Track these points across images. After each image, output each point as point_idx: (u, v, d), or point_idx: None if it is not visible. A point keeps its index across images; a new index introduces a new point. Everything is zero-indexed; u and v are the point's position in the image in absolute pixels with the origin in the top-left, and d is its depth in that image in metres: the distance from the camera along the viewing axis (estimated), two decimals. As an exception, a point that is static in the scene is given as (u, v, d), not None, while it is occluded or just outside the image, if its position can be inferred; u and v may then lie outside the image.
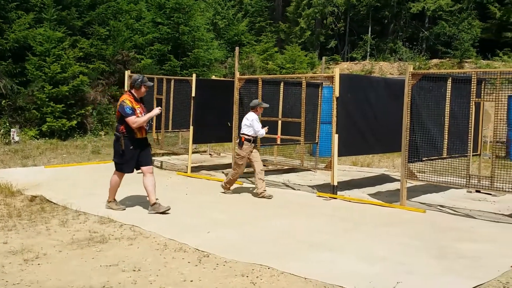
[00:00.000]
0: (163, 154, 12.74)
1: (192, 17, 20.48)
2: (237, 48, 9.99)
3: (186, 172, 10.10)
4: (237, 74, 9.53)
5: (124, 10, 18.49)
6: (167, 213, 6.60)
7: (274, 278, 4.36)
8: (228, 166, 10.81)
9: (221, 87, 11.03)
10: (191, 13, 20.39)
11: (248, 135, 7.98)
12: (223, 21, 26.69)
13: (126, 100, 6.57)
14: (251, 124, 7.96)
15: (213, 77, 16.20)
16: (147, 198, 6.80)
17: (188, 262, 4.74)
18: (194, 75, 10.32)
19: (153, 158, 12.34)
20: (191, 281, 4.28)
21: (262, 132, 8.03)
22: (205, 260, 4.81)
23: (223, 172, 10.39)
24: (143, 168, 6.75)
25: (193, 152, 11.95)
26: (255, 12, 30.91)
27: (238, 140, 8.21)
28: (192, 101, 9.98)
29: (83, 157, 11.98)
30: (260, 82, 9.16)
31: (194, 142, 10.40)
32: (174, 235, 5.57)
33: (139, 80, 6.63)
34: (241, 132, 8.09)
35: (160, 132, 11.14)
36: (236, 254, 4.95)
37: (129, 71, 12.66)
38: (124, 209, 6.75)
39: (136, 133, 6.61)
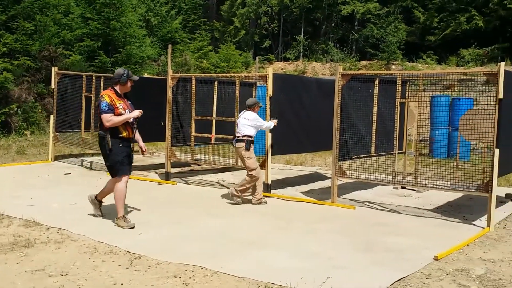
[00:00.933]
0: (93, 154, 12.35)
1: (124, 13, 19.97)
2: (170, 46, 9.85)
3: (118, 173, 9.83)
4: (170, 72, 9.40)
5: (52, 4, 17.69)
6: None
7: (207, 278, 4.35)
8: (161, 166, 10.64)
9: (154, 85, 10.83)
10: (122, 8, 19.87)
11: (251, 136, 7.51)
12: (156, 18, 26.23)
13: (105, 96, 6.04)
14: (255, 124, 7.48)
15: (146, 75, 15.89)
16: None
17: (119, 265, 4.62)
18: (125, 73, 10.02)
19: (82, 158, 12.03)
20: (122, 284, 4.18)
21: (271, 124, 7.72)
22: (136, 262, 4.71)
23: (156, 172, 10.23)
24: None
25: (125, 152, 11.67)
26: (189, 9, 30.61)
27: (236, 142, 7.54)
28: (124, 100, 9.72)
29: (7, 157, 11.39)
30: (193, 81, 9.08)
31: (126, 141, 10.11)
32: (104, 238, 5.41)
33: (124, 75, 6.09)
34: (242, 133, 7.47)
35: (89, 131, 10.78)
36: (169, 255, 4.89)
37: (56, 68, 12.16)
38: (133, 227, 5.91)
39: (122, 131, 6.05)
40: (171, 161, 9.42)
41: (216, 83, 9.97)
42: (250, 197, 7.55)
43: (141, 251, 4.98)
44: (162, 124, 9.62)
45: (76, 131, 11.28)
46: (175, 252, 4.99)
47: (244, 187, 7.40)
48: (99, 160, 11.70)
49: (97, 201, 6.41)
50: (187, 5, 30.35)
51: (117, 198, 6.03)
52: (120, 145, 6.04)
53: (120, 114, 6.00)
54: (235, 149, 7.71)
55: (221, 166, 10.69)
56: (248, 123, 7.47)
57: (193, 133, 9.08)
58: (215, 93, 9.83)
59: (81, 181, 9.13)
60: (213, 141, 9.99)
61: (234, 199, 7.43)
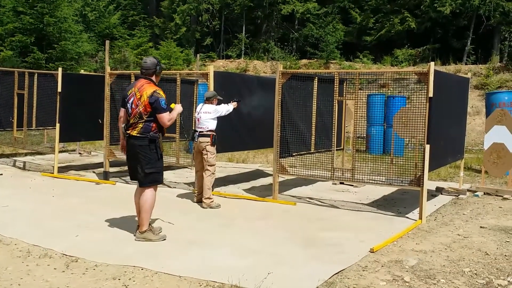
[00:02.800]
0: (26, 154, 11.86)
1: (58, 8, 19.30)
2: (107, 42, 9.63)
3: (53, 173, 9.51)
4: (108, 69, 9.19)
5: (-20, -3, 16.86)
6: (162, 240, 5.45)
7: (148, 279, 4.29)
8: (99, 165, 10.36)
9: (91, 82, 10.55)
10: (57, 3, 19.20)
11: (214, 130, 7.19)
12: (93, 13, 25.52)
13: (160, 90, 5.20)
14: (215, 115, 7.18)
15: (82, 72, 15.42)
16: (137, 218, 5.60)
17: (54, 269, 4.47)
18: (60, 69, 9.73)
19: (14, 158, 11.52)
20: None
21: (231, 107, 7.38)
22: (73, 265, 4.57)
23: (93, 172, 9.96)
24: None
25: (60, 151, 11.30)
26: (128, 5, 30.00)
27: (199, 137, 7.14)
28: (58, 97, 9.42)
29: None
30: (132, 78, 8.91)
31: (61, 140, 9.82)
32: (39, 241, 5.21)
33: (159, 64, 5.37)
34: (205, 128, 7.14)
35: (22, 130, 10.35)
36: (107, 257, 4.78)
37: (-15, 63, 11.57)
38: (165, 239, 5.40)
39: (164, 132, 5.41)
40: (110, 160, 9.20)
41: (156, 80, 9.82)
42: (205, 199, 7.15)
43: (78, 254, 4.84)
44: (100, 122, 9.39)
45: (8, 129, 10.80)
46: (114, 254, 4.89)
47: (209, 188, 7.11)
48: (33, 160, 11.27)
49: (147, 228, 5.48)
50: (126, 0, 29.71)
51: (147, 208, 5.36)
52: (162, 151, 5.38)
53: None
54: (196, 145, 7.30)
55: (162, 165, 10.55)
56: (210, 116, 7.20)
57: (133, 132, 8.90)
58: (155, 91, 9.67)
59: (13, 182, 8.75)
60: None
61: (208, 206, 7.03)
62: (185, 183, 9.02)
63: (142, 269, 4.48)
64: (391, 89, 16.17)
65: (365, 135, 13.96)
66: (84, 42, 21.16)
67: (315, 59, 25.25)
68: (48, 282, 4.17)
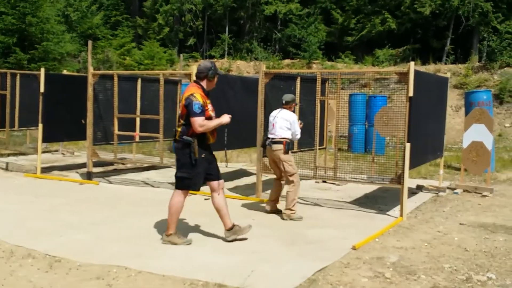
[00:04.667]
0: (8, 155, 11.74)
1: (40, 8, 19.11)
2: (90, 42, 9.58)
3: (36, 173, 9.44)
4: (91, 69, 9.15)
5: (-40, -3, 16.63)
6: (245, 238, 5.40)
7: (132, 278, 4.31)
8: (82, 165, 10.31)
9: (74, 82, 10.50)
10: (39, 3, 19.01)
11: (289, 139, 6.58)
12: (76, 13, 25.32)
13: (197, 94, 5.06)
14: (293, 128, 6.57)
15: (65, 72, 15.30)
16: (223, 222, 5.42)
17: (38, 269, 4.47)
18: (42, 70, 9.66)
19: (-4, 159, 11.41)
20: None
21: (299, 134, 6.70)
22: (56, 266, 4.57)
23: (77, 172, 9.92)
24: (214, 183, 5.32)
25: (43, 152, 11.22)
26: (111, 5, 29.80)
27: (272, 144, 6.56)
28: (41, 97, 9.37)
29: None
30: (115, 78, 8.91)
31: (44, 140, 9.76)
32: (22, 241, 5.19)
33: (212, 68, 5.20)
34: (279, 135, 6.54)
35: (4, 130, 10.26)
36: (91, 256, 4.79)
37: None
38: (191, 243, 5.29)
39: (209, 137, 5.22)
40: (93, 160, 9.17)
41: (139, 80, 9.83)
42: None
43: (61, 254, 4.84)
44: (83, 122, 9.35)
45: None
46: (98, 254, 4.90)
47: (294, 200, 6.47)
48: (16, 160, 11.15)
49: (232, 227, 5.43)
50: (109, 1, 29.53)
51: (174, 212, 5.23)
52: (203, 156, 5.18)
53: (210, 117, 5.16)
54: (268, 152, 6.75)
55: (146, 165, 10.55)
56: (286, 124, 6.56)
57: (116, 132, 8.90)
58: (139, 91, 9.69)
59: (-5, 183, 8.67)
60: (137, 139, 9.85)
61: (288, 217, 6.46)
62: (169, 183, 9.02)
63: (125, 269, 4.50)
64: (373, 88, 16.37)
65: (347, 134, 14.11)
66: (67, 43, 20.99)
67: (298, 59, 25.38)
68: (32, 282, 4.17)
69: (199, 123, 5.01)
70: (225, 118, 5.29)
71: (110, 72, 11.45)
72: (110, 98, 9.07)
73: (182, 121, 5.13)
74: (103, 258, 4.74)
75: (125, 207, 7.03)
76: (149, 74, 12.34)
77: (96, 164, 9.74)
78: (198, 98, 5.03)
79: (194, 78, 7.89)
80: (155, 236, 5.55)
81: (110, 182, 9.01)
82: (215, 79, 5.30)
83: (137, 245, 5.21)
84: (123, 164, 10.81)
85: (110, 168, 10.73)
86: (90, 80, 9.01)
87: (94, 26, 25.85)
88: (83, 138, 9.49)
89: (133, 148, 10.93)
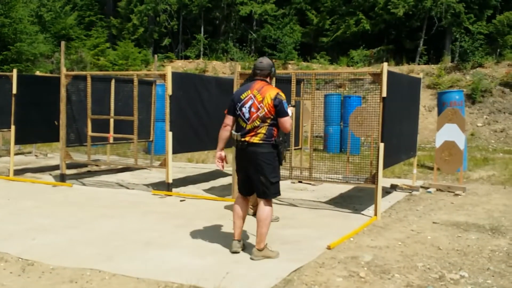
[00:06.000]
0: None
1: (13, 8, 18.74)
2: (63, 43, 9.44)
3: (8, 176, 9.27)
4: (64, 70, 9.01)
5: None
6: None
7: (106, 281, 4.26)
8: (56, 167, 10.15)
9: (47, 83, 10.33)
10: (12, 3, 18.63)
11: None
12: (49, 14, 24.92)
13: (282, 93, 4.75)
14: None
15: (38, 73, 15.05)
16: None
17: (10, 273, 4.38)
18: (15, 71, 9.50)
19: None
20: (13, 292, 3.97)
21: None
22: (29, 269, 4.49)
23: (50, 174, 9.75)
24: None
25: (16, 154, 11.02)
26: (84, 5, 29.43)
27: None
28: (13, 99, 9.21)
29: None
30: (89, 79, 8.79)
31: (16, 142, 9.59)
32: (-7, 245, 5.09)
33: (274, 67, 4.95)
34: None
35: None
36: (64, 259, 4.72)
37: None
38: (278, 255, 4.91)
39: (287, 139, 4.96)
40: (67, 162, 9.03)
41: (113, 81, 9.72)
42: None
43: (34, 257, 4.76)
44: (56, 123, 9.21)
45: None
46: (71, 257, 4.82)
47: None
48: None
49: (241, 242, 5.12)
50: (83, 1, 29.15)
51: (268, 224, 4.82)
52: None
53: None
54: None
55: (120, 166, 10.44)
56: None
57: (89, 133, 8.79)
58: (112, 92, 9.58)
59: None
60: (111, 140, 9.74)
61: None
62: (144, 184, 8.95)
63: (99, 272, 4.44)
64: (347, 89, 16.52)
65: (322, 135, 14.21)
66: (40, 43, 20.64)
67: (273, 60, 25.43)
68: (4, 286, 4.08)
69: (290, 122, 4.77)
70: (291, 111, 5.02)
71: (83, 72, 11.29)
72: (83, 99, 8.96)
73: (268, 122, 4.71)
74: (77, 261, 4.67)
75: (99, 209, 6.93)
76: (123, 74, 12.21)
77: (69, 166, 9.59)
78: (284, 96, 4.76)
79: (169, 78, 7.92)
80: (129, 239, 5.49)
81: (84, 184, 8.89)
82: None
83: (111, 248, 5.15)
84: (97, 165, 10.68)
85: (84, 170, 10.59)
86: (63, 81, 8.87)
87: (67, 26, 25.49)
88: (56, 139, 9.36)
89: (107, 149, 10.81)
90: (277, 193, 4.89)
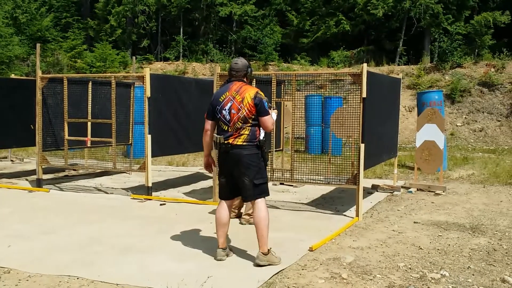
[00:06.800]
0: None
1: (-13, 10, 18.39)
2: (38, 45, 9.28)
3: (-18, 182, 9.05)
4: (39, 73, 8.84)
5: None
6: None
7: (84, 288, 4.16)
8: (32, 172, 9.94)
9: (22, 86, 10.12)
10: (-15, 5, 18.28)
11: None
12: (25, 16, 24.52)
13: (261, 92, 4.71)
14: None
15: (13, 76, 14.76)
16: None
17: (-16, 282, 4.26)
18: (-13, 74, 9.29)
19: None
20: (-14, 303, 3.85)
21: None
22: (5, 277, 4.36)
23: (26, 180, 9.55)
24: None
25: (-11, 159, 10.76)
26: (61, 7, 29.01)
27: None
28: (-14, 103, 9.00)
29: None
30: (65, 81, 8.63)
31: (-10, 147, 9.36)
32: (-34, 254, 4.93)
33: (250, 67, 4.87)
34: None
35: None
36: (41, 267, 4.60)
37: None
38: (281, 261, 4.75)
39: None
40: (43, 167, 8.86)
41: (90, 83, 9.56)
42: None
43: (10, 265, 4.64)
44: (32, 127, 9.03)
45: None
46: (49, 264, 4.71)
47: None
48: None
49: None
50: (59, 2, 28.73)
51: (266, 225, 4.71)
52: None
53: None
54: None
55: (98, 170, 10.28)
56: None
57: (66, 137, 8.62)
58: (90, 94, 9.42)
59: None
60: (89, 144, 9.58)
61: (249, 222, 6.29)
62: (123, 189, 8.81)
63: (77, 278, 4.34)
64: (328, 90, 16.56)
65: (304, 136, 14.20)
66: (15, 46, 20.30)
67: (254, 61, 25.44)
68: (-24, 297, 3.96)
69: (272, 121, 4.72)
70: (275, 113, 4.94)
71: (59, 75, 11.10)
72: (60, 102, 8.78)
73: (250, 122, 4.65)
74: (54, 268, 4.56)
75: (77, 215, 6.79)
76: (101, 77, 12.04)
77: (46, 171, 9.41)
78: (263, 95, 4.71)
79: (148, 80, 7.81)
80: (108, 244, 5.37)
81: (61, 189, 8.72)
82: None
83: (89, 254, 5.04)
84: (74, 170, 10.51)
85: (61, 174, 10.40)
86: (39, 84, 8.70)
87: (43, 28, 25.13)
88: (33, 144, 9.17)
89: (85, 153, 10.63)
90: (263, 193, 4.79)
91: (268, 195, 4.88)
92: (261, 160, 4.74)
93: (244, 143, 4.65)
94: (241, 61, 4.84)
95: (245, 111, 4.62)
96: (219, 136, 4.75)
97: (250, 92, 4.66)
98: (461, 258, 5.05)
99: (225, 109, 4.69)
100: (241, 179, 4.71)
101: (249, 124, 4.64)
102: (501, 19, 23.35)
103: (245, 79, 4.83)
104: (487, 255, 5.13)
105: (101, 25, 28.59)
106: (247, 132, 4.65)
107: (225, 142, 4.69)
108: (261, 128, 4.78)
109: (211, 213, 7.01)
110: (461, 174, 10.61)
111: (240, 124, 4.64)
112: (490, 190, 8.88)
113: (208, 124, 4.87)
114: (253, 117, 4.64)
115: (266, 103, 4.70)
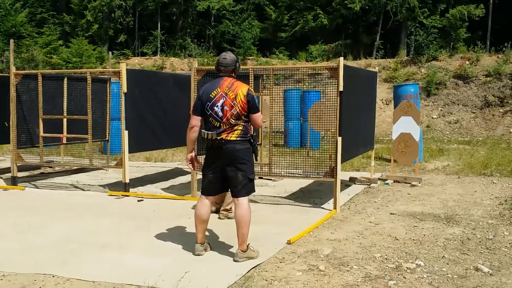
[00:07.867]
0: None
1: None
2: (11, 41, 9.11)
3: (-46, 181, 8.87)
4: (13, 69, 8.69)
5: None
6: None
7: (60, 286, 4.11)
8: (7, 170, 9.77)
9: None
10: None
11: None
12: (-2, 11, 24.01)
13: (252, 89, 4.70)
14: None
15: (-14, 72, 14.47)
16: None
17: (-44, 283, 4.17)
18: (-41, 70, 9.08)
19: None
20: (-41, 303, 3.78)
21: None
22: (-22, 278, 4.29)
23: (1, 178, 9.39)
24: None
25: (-38, 158, 10.56)
26: (36, 2, 28.50)
27: None
28: (-42, 100, 8.81)
29: None
30: (39, 78, 8.49)
31: (-37, 146, 9.17)
32: None
33: (238, 61, 4.78)
34: None
35: None
36: (15, 265, 4.53)
37: None
38: (259, 254, 4.79)
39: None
40: (18, 164, 8.71)
41: (65, 79, 9.43)
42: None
43: (-17, 265, 4.55)
44: (6, 124, 8.87)
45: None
46: (23, 262, 4.64)
47: (232, 201, 5.98)
48: None
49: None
50: (34, -3, 28.27)
51: (247, 225, 4.69)
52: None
53: None
54: None
55: (75, 167, 10.15)
56: None
57: (41, 134, 8.50)
58: (65, 90, 9.29)
59: None
60: (64, 141, 9.45)
61: (228, 217, 6.36)
62: (100, 185, 8.73)
63: (53, 277, 4.29)
64: (307, 84, 16.62)
65: (282, 130, 14.24)
66: (-11, 42, 19.90)
67: (233, 56, 25.39)
68: None
69: (261, 118, 4.73)
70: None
71: (34, 71, 10.91)
72: (34, 99, 8.64)
73: (243, 119, 4.60)
74: (30, 267, 4.50)
75: (53, 212, 6.71)
76: (76, 72, 11.87)
77: (21, 169, 9.27)
78: (254, 93, 4.69)
79: (124, 75, 7.72)
80: (85, 242, 5.32)
81: (37, 187, 8.60)
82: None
83: (65, 252, 4.98)
84: (50, 167, 10.36)
85: (37, 172, 10.25)
86: (13, 81, 8.55)
87: (18, 24, 24.70)
88: (7, 141, 8.99)
89: (61, 150, 10.49)
90: (252, 190, 4.79)
91: (255, 191, 4.87)
92: (252, 155, 4.71)
93: (238, 138, 4.60)
94: (229, 56, 4.72)
95: (239, 108, 4.56)
96: (209, 132, 4.63)
97: (242, 89, 4.59)
98: (436, 247, 5.13)
99: (217, 106, 4.59)
100: (235, 174, 4.65)
101: (242, 121, 4.61)
102: (475, 12, 23.73)
103: (233, 74, 4.73)
104: (461, 245, 5.23)
105: (77, 20, 28.20)
106: (240, 128, 4.61)
107: (218, 138, 4.59)
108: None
109: (190, 208, 6.99)
110: (437, 165, 10.77)
111: (233, 121, 4.58)
112: (465, 181, 9.04)
113: (196, 120, 4.74)
114: (245, 113, 4.61)
115: (257, 99, 4.67)
